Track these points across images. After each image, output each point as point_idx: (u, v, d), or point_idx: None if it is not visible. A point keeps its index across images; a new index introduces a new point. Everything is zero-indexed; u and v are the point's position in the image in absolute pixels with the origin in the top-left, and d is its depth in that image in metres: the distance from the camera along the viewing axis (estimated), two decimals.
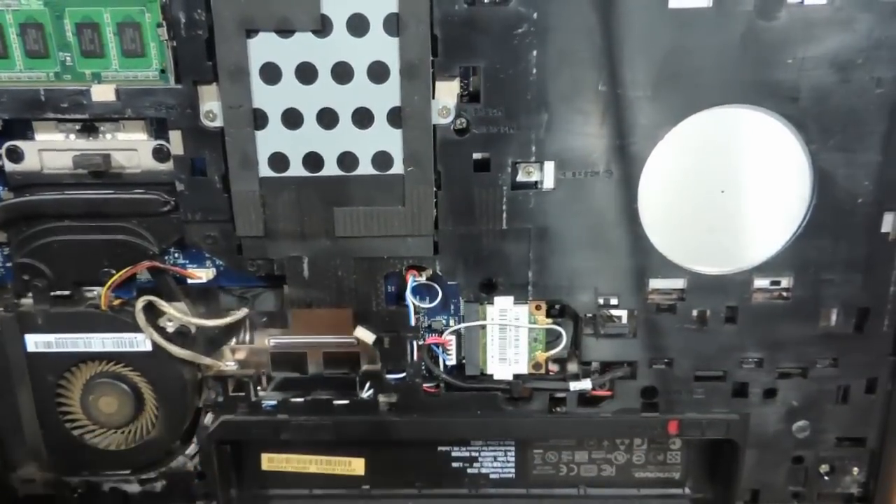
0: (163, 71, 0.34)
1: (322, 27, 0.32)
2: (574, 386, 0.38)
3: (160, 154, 0.35)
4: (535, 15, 0.32)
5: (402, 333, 0.38)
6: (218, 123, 0.34)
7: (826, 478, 0.40)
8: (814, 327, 0.36)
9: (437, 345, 0.38)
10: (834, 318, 0.36)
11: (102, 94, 0.34)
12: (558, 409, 0.39)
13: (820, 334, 0.36)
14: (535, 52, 0.32)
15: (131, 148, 0.35)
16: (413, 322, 0.37)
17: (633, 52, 0.32)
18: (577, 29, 0.32)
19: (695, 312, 0.36)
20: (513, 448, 0.43)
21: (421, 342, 0.38)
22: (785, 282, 0.36)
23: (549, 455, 0.43)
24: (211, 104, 0.34)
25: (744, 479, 0.39)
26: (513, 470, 0.43)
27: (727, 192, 0.34)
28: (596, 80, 0.32)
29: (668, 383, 0.38)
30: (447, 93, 0.33)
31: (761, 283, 0.36)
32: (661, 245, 0.35)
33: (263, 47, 0.32)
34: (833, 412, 0.38)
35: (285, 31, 0.32)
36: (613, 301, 0.37)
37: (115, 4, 0.33)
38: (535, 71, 0.32)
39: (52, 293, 0.37)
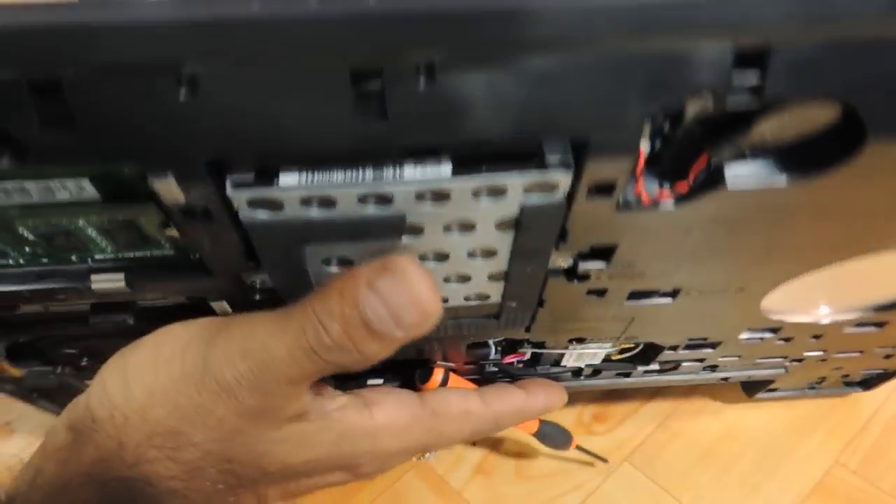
0: (178, 248, 0.24)
1: (410, 233, 0.22)
2: (642, 368, 0.40)
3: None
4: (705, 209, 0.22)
5: (484, 366, 0.37)
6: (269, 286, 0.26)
7: None
8: None
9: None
10: None
11: (105, 283, 0.25)
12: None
13: None
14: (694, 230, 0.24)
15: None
16: (493, 354, 0.36)
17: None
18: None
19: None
20: None
21: (499, 359, 0.37)
22: None
23: None
24: (257, 278, 0.26)
25: None
26: None
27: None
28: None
29: None
30: (563, 256, 0.26)
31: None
32: (768, 309, 0.32)
33: (327, 250, 0.23)
34: None
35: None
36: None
37: (87, 212, 0.22)
38: (686, 242, 0.25)
39: None
